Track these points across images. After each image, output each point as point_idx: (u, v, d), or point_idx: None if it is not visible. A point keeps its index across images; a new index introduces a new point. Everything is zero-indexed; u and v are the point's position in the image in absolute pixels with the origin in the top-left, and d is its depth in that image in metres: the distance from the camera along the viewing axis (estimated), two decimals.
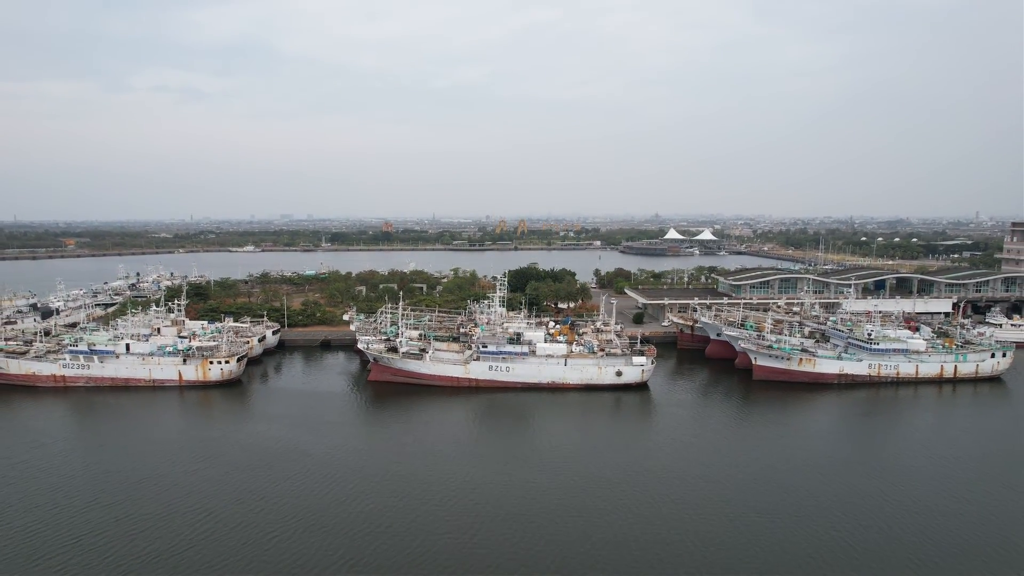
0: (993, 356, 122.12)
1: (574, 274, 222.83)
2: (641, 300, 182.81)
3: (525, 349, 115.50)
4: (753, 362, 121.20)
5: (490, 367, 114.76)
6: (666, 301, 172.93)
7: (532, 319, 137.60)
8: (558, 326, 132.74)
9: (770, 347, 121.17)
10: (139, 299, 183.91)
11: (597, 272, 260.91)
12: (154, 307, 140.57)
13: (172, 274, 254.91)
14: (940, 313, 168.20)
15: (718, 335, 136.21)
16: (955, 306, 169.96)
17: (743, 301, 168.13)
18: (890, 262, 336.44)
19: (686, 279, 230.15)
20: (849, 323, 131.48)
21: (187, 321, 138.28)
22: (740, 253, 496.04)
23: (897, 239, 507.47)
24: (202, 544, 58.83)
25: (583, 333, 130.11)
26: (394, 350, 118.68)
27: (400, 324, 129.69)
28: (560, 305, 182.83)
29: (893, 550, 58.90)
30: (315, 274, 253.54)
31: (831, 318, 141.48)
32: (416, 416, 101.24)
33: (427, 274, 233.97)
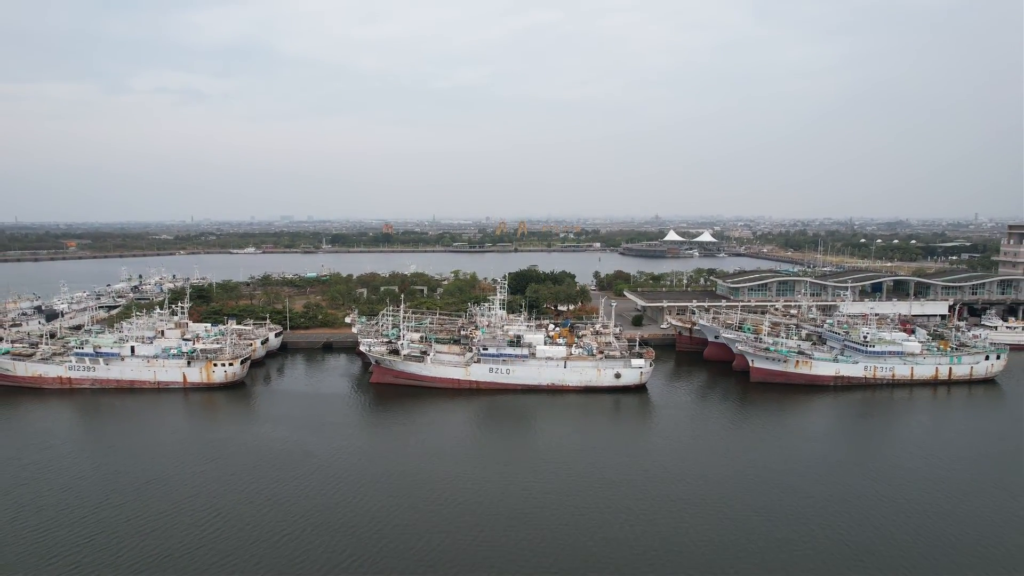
0: (987, 358, 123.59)
1: (574, 276, 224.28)
2: (640, 302, 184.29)
3: (525, 351, 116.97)
4: (750, 364, 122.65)
5: (491, 369, 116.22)
6: (665, 304, 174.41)
7: (532, 322, 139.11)
8: (558, 329, 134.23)
9: (767, 349, 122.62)
10: (142, 301, 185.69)
11: (597, 274, 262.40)
12: (158, 310, 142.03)
13: (174, 276, 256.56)
14: (936, 315, 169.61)
15: (716, 337, 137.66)
16: (951, 308, 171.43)
17: (741, 304, 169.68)
18: (888, 264, 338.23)
19: (685, 281, 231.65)
20: (845, 325, 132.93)
21: (190, 323, 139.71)
22: (739, 255, 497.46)
23: (896, 241, 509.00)
24: (212, 543, 60.23)
25: (582, 335, 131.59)
26: (396, 352, 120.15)
27: (401, 327, 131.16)
28: (560, 308, 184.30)
29: (888, 549, 60.22)
30: (316, 276, 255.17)
31: (828, 320, 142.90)
32: (418, 418, 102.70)
33: (428, 276, 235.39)
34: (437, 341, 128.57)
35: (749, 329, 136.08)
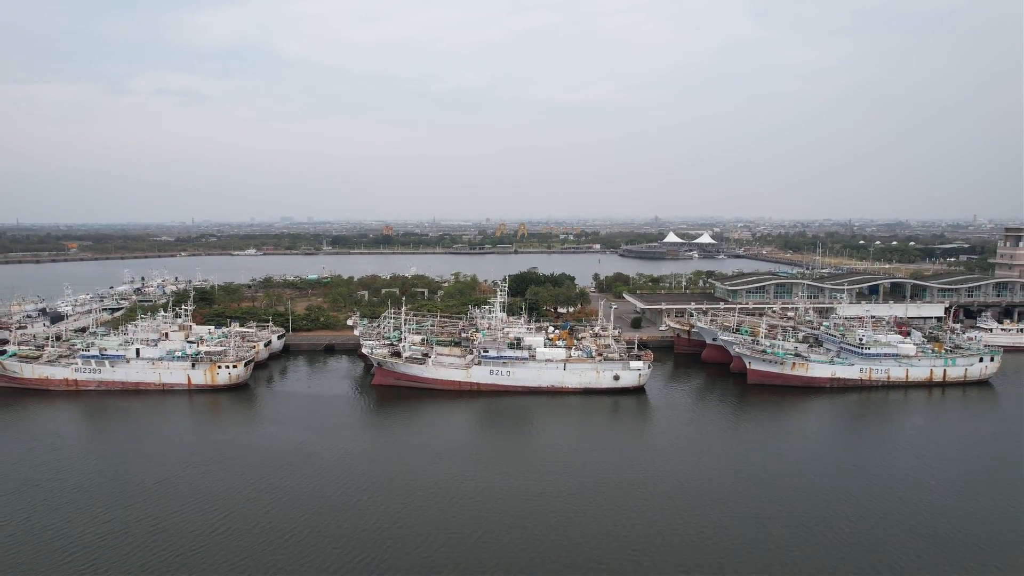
0: (981, 360, 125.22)
1: (573, 278, 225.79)
2: (639, 305, 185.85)
3: (525, 354, 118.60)
4: (748, 366, 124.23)
5: (491, 371, 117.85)
6: (663, 306, 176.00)
7: (532, 324, 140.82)
8: (557, 331, 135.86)
9: (764, 352, 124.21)
10: (145, 303, 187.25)
11: (596, 276, 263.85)
12: (162, 312, 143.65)
13: (176, 278, 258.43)
14: (932, 318, 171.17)
15: (714, 340, 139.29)
16: (947, 311, 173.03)
17: (739, 306, 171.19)
18: (887, 266, 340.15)
19: (684, 283, 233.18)
20: (842, 328, 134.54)
21: (194, 326, 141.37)
22: (739, 256, 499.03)
23: (895, 243, 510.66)
24: (222, 542, 61.82)
25: (582, 338, 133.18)
26: (397, 355, 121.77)
27: (403, 329, 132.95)
28: (559, 310, 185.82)
29: (883, 548, 61.69)
30: (317, 278, 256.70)
31: (824, 323, 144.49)
32: (419, 419, 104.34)
33: (428, 278, 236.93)
34: (438, 343, 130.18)
35: (746, 331, 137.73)
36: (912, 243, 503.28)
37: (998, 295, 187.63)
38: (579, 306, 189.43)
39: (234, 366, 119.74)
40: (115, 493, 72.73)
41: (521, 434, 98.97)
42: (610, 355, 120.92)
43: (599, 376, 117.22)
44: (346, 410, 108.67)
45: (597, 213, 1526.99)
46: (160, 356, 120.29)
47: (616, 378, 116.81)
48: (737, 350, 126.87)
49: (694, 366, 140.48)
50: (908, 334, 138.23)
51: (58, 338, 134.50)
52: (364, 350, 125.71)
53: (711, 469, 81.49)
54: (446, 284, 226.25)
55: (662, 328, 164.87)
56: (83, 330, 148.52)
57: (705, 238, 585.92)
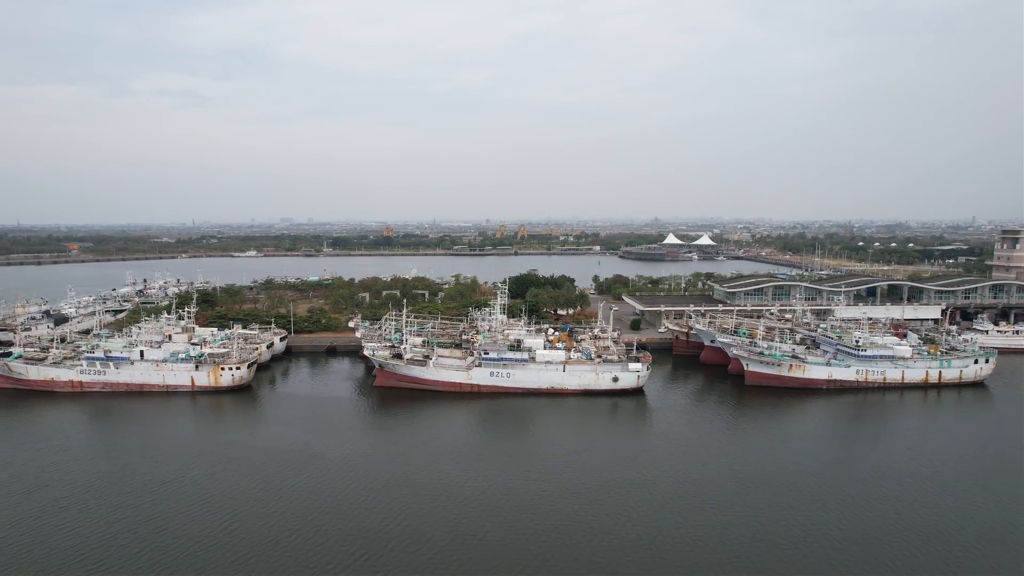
0: (976, 362, 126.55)
1: (573, 280, 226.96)
2: (638, 307, 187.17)
3: (525, 356, 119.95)
4: (745, 368, 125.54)
5: (491, 373, 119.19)
6: (663, 308, 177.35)
7: (532, 326, 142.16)
8: (557, 333, 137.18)
9: (761, 354, 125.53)
10: (147, 305, 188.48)
11: (596, 278, 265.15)
12: (165, 314, 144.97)
13: (178, 280, 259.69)
14: (929, 320, 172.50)
15: (712, 342, 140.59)
16: (943, 313, 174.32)
17: (737, 308, 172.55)
18: (885, 267, 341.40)
19: (683, 285, 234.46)
20: (838, 330, 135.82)
21: (197, 328, 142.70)
22: (738, 258, 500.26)
23: (894, 244, 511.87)
24: (230, 541, 63.21)
25: (581, 340, 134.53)
26: (399, 356, 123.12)
27: (404, 331, 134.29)
28: (559, 312, 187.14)
29: (878, 546, 63.06)
30: (318, 280, 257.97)
31: (822, 325, 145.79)
32: (421, 420, 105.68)
33: (429, 280, 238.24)
34: (439, 345, 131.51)
35: (744, 333, 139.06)
36: (911, 245, 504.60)
37: (994, 297, 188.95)
38: (579, 308, 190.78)
39: (237, 368, 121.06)
40: (123, 493, 74.09)
41: (521, 435, 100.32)
42: (609, 357, 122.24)
43: (598, 378, 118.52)
44: (349, 411, 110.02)
45: (597, 214, 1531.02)
46: (164, 358, 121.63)
47: (615, 380, 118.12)
48: (735, 352, 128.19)
49: (693, 368, 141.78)
50: (904, 336, 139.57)
51: (62, 340, 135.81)
52: (366, 352, 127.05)
53: (709, 469, 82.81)
54: (447, 286, 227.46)
55: (661, 330, 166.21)
56: (87, 332, 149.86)
57: (705, 240, 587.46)
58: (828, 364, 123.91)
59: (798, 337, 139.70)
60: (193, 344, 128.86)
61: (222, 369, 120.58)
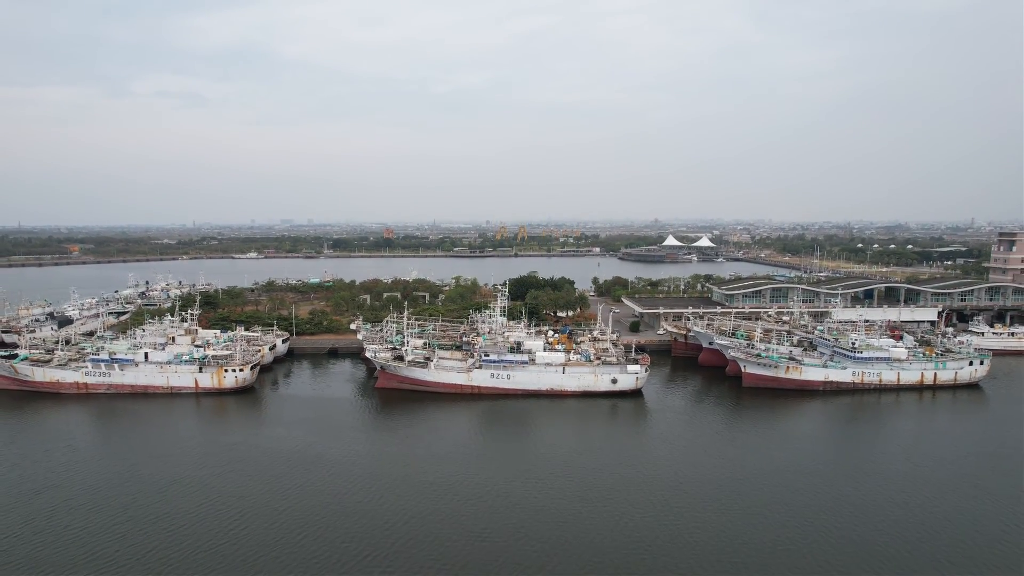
0: (971, 364, 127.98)
1: (573, 282, 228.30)
2: (637, 309, 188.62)
3: (525, 358, 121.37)
4: (743, 370, 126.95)
5: (492, 375, 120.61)
6: (661, 310, 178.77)
7: (532, 328, 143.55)
8: (556, 335, 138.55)
9: (759, 355, 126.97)
10: (149, 307, 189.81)
11: (595, 280, 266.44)
12: (168, 316, 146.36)
13: (180, 282, 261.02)
14: (925, 322, 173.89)
15: (710, 344, 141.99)
16: (940, 315, 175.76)
17: (735, 310, 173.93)
18: (884, 269, 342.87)
19: (682, 288, 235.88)
20: (835, 332, 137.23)
21: (200, 330, 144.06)
22: (737, 260, 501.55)
23: (893, 246, 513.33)
24: (238, 541, 64.56)
25: (580, 342, 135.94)
26: (400, 358, 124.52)
27: (405, 333, 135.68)
28: (559, 314, 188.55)
29: (874, 547, 64.27)
30: (320, 282, 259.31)
31: (819, 327, 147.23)
32: (423, 422, 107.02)
33: (429, 282, 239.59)
34: (440, 347, 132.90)
35: (742, 335, 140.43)
36: (910, 246, 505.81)
37: (991, 299, 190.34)
38: (578, 310, 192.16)
39: (240, 370, 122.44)
40: (132, 493, 75.51)
41: (521, 436, 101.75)
42: (608, 359, 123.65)
43: (597, 379, 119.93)
44: (351, 413, 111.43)
45: (597, 215, 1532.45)
46: (168, 360, 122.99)
47: (614, 381, 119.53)
48: (733, 354, 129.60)
49: (691, 369, 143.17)
50: (900, 338, 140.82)
51: (67, 342, 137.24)
52: (367, 354, 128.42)
53: (707, 470, 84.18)
54: (447, 288, 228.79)
55: (660, 332, 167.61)
56: (91, 334, 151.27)
57: (704, 241, 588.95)
58: (825, 366, 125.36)
59: (795, 339, 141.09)
60: (197, 346, 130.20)
61: (225, 371, 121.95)
